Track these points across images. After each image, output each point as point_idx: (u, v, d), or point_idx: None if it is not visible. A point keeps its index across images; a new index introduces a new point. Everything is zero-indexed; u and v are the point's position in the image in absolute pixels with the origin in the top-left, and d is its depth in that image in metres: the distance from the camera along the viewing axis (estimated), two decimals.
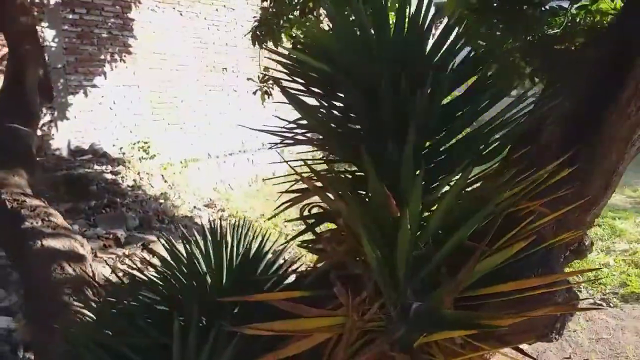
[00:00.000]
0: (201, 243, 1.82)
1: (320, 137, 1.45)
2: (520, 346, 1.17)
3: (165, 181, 7.17)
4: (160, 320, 1.54)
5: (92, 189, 5.11)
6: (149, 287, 1.69)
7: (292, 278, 1.82)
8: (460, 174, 1.06)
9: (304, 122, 1.43)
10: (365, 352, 1.20)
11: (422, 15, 1.32)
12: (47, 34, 6.20)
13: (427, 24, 1.33)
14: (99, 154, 6.45)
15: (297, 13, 5.04)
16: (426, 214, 1.22)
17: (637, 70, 1.15)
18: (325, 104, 1.40)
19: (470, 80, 1.28)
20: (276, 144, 1.52)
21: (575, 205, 1.12)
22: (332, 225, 1.51)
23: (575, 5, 3.25)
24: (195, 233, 1.99)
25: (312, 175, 1.32)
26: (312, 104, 1.40)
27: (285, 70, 1.47)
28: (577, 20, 3.97)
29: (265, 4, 5.32)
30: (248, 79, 6.05)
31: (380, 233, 1.10)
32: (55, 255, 1.93)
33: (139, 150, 7.42)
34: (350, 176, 1.48)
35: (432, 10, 1.39)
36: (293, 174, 1.45)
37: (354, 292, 1.23)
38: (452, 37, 1.30)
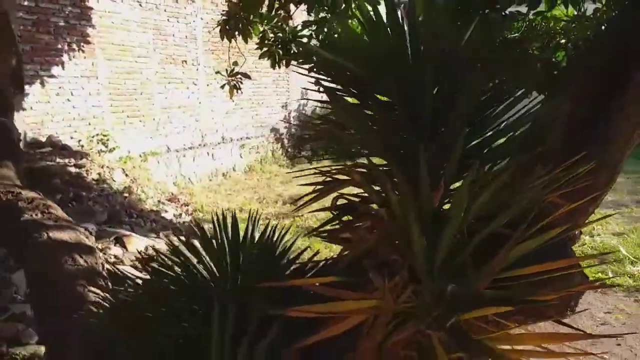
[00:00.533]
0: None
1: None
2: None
3: (127, 175, 7.03)
4: (187, 310, 1.59)
5: (56, 182, 4.96)
6: (171, 278, 1.73)
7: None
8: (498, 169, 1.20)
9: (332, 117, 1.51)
10: (401, 332, 1.31)
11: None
12: None
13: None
14: (57, 146, 6.25)
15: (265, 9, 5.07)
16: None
17: (637, 72, 1.31)
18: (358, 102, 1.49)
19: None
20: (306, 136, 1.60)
21: (587, 198, 1.27)
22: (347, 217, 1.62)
23: (533, 12, 3.50)
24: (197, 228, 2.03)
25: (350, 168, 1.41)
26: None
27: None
28: (534, 25, 4.24)
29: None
30: (216, 72, 6.02)
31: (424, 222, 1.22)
32: (64, 247, 1.93)
33: (97, 143, 7.24)
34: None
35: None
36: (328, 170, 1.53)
37: (387, 277, 1.34)
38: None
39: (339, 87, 1.49)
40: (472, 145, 1.34)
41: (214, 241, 1.85)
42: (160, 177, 8.17)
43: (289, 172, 10.51)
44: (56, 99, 6.73)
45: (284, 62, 5.17)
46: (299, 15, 5.49)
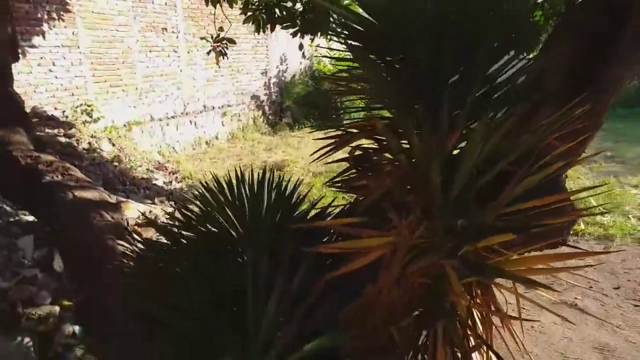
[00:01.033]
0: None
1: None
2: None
3: (113, 144, 7.05)
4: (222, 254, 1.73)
5: (49, 152, 4.98)
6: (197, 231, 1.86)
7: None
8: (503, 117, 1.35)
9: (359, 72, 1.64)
10: (418, 263, 1.49)
11: None
12: None
13: None
14: (43, 117, 6.22)
15: None
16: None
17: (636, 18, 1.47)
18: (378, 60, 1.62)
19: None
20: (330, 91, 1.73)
21: (579, 139, 1.45)
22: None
23: None
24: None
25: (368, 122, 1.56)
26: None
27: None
28: None
29: None
30: (202, 38, 6.02)
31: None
32: (91, 205, 2.05)
33: (82, 113, 7.20)
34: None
35: None
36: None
37: (403, 216, 1.51)
38: None
39: (358, 44, 1.61)
40: (478, 96, 1.50)
41: (229, 193, 1.98)
42: (145, 147, 8.19)
43: (294, 136, 10.61)
44: (38, 69, 6.66)
45: (268, 26, 5.20)
46: None
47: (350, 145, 1.80)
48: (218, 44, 5.94)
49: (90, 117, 7.28)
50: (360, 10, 1.73)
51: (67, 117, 6.95)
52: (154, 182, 6.09)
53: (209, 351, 1.66)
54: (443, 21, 1.41)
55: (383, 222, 1.56)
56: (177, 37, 8.98)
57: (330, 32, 1.70)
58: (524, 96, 1.55)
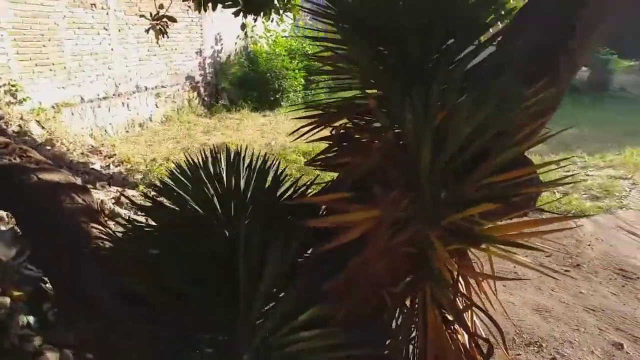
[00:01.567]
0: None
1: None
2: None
3: (43, 127, 6.68)
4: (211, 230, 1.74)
5: None
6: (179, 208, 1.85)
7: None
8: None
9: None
10: (403, 234, 1.58)
11: None
12: None
13: None
14: None
15: None
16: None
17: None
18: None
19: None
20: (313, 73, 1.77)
21: (543, 119, 1.59)
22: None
23: None
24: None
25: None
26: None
27: None
28: None
29: None
30: (141, 15, 5.80)
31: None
32: (59, 188, 1.98)
33: (5, 94, 6.74)
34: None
35: None
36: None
37: (387, 191, 1.60)
38: None
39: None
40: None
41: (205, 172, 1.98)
42: (77, 130, 7.81)
43: (232, 118, 10.40)
44: None
45: (210, 5, 5.10)
46: None
47: (330, 125, 1.85)
48: (157, 22, 5.75)
49: (15, 98, 6.83)
50: None
51: None
52: (91, 166, 5.85)
53: (198, 328, 1.68)
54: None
55: (368, 197, 1.64)
56: (107, 14, 8.56)
57: (311, 11, 1.73)
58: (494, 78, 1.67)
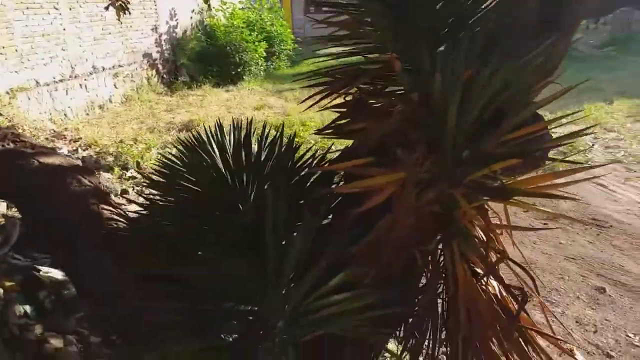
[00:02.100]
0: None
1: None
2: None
3: (1, 114, 6.37)
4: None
5: None
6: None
7: None
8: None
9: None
10: (428, 194, 1.62)
11: None
12: None
13: None
14: None
15: None
16: None
17: None
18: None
19: None
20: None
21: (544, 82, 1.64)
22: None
23: None
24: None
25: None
26: None
27: None
28: None
29: None
30: None
31: None
32: (62, 171, 1.92)
33: None
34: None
35: None
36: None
37: (409, 153, 1.63)
38: None
39: None
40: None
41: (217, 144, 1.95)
42: (35, 115, 7.48)
43: (194, 95, 10.14)
44: None
45: None
46: None
47: (337, 92, 1.85)
48: None
49: None
50: None
51: None
52: (59, 152, 5.63)
53: (226, 298, 1.69)
54: None
55: (387, 161, 1.66)
56: None
57: None
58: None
